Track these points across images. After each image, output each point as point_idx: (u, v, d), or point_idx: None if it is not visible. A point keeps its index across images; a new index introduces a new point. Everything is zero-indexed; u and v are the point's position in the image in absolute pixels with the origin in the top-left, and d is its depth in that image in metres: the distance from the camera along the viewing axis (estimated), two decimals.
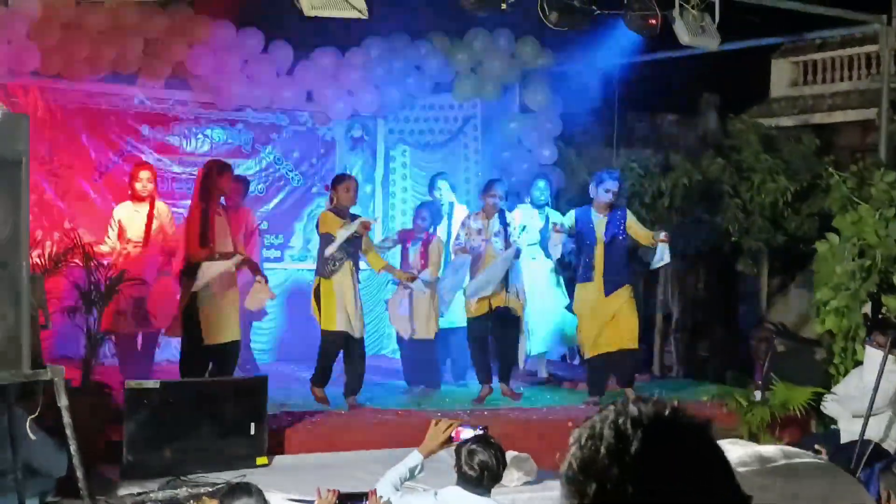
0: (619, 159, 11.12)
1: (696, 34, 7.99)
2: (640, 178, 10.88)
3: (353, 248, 8.23)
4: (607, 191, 8.76)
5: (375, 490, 5.21)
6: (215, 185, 7.76)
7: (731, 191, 10.75)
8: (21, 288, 4.66)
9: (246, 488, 4.82)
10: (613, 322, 8.79)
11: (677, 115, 14.09)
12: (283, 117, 10.88)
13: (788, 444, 7.69)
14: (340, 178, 8.58)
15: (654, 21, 7.99)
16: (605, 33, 9.46)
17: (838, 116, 13.35)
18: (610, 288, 8.79)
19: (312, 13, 6.94)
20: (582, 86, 11.23)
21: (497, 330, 8.92)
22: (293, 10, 7.18)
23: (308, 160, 11.19)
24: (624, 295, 8.84)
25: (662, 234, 8.79)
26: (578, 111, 11.33)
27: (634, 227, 8.89)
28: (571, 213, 9.05)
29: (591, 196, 8.89)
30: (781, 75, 14.47)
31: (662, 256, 8.75)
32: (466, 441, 5.06)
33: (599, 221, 8.82)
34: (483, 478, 4.89)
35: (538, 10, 7.59)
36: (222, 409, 6.59)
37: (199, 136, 10.67)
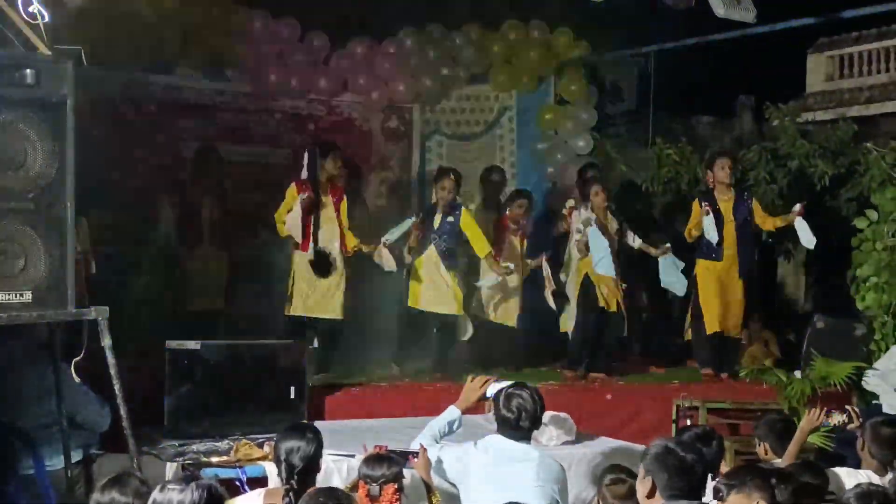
0: (654, 148, 11.07)
1: (731, 6, 7.95)
2: (677, 164, 10.82)
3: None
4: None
5: (423, 446, 5.21)
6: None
7: (768, 177, 10.65)
8: (66, 229, 4.72)
9: (301, 429, 4.71)
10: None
11: (712, 109, 14.03)
12: (319, 107, 10.93)
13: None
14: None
15: None
16: (640, 23, 9.45)
17: (876, 108, 13.28)
18: None
19: None
20: (617, 76, 11.24)
21: None
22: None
23: (344, 150, 11.18)
24: None
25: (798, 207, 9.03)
26: (614, 101, 11.33)
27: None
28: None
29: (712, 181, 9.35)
30: (817, 70, 14.42)
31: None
32: (503, 389, 5.07)
33: (725, 201, 9.24)
34: (521, 419, 4.86)
35: None
36: (262, 371, 6.61)
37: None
